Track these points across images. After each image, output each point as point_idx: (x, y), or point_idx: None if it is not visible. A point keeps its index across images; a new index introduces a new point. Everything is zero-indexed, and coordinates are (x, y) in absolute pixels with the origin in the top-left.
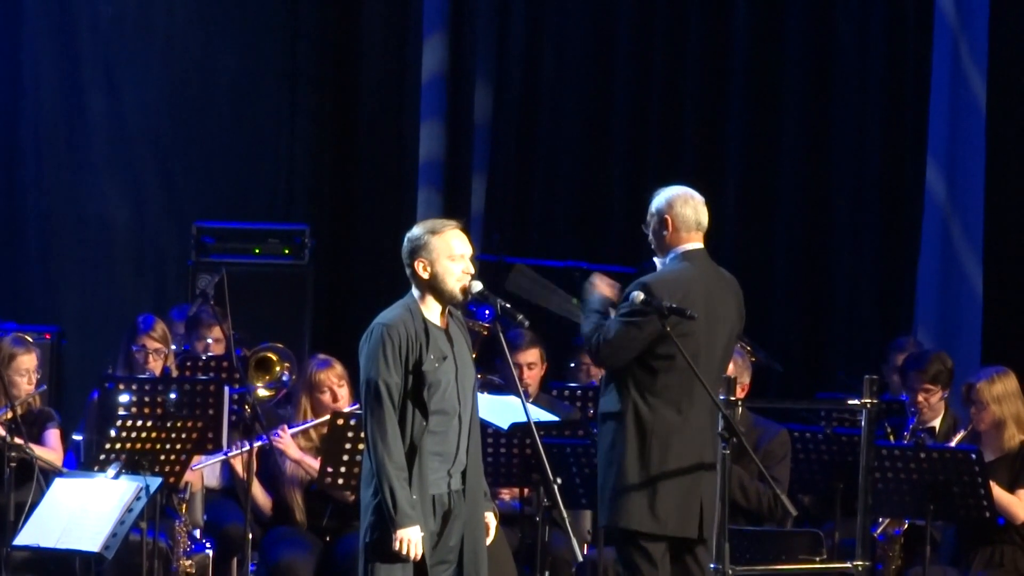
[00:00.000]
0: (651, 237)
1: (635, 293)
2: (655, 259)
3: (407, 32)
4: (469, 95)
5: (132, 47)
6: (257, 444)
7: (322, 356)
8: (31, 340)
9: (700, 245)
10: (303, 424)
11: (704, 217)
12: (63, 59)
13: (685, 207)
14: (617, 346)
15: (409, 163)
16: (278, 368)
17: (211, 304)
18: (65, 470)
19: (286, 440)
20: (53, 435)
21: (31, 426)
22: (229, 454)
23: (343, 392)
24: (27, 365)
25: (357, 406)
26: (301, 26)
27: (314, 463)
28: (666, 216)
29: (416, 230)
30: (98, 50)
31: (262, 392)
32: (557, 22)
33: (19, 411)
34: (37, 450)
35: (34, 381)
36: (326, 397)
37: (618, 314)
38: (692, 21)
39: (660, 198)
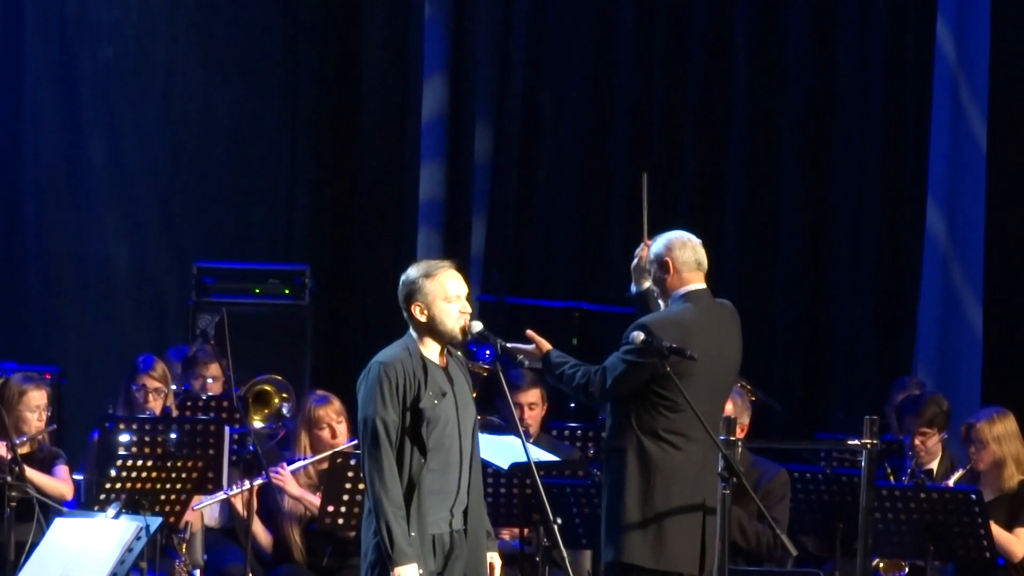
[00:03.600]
0: (653, 285)
1: (635, 334)
2: (659, 301)
3: (407, 73)
4: (469, 136)
5: (132, 87)
6: (258, 482)
7: (320, 392)
8: (41, 378)
9: (703, 285)
10: (303, 461)
11: (703, 257)
12: (63, 99)
13: (684, 249)
14: (617, 380)
15: (409, 204)
16: (276, 400)
17: (210, 343)
18: (65, 509)
19: (286, 477)
20: (63, 470)
21: (40, 463)
22: (230, 493)
23: (341, 428)
24: (37, 401)
25: (356, 442)
26: (301, 66)
27: (315, 499)
28: (666, 259)
29: (411, 273)
30: (98, 90)
31: (261, 425)
32: (556, 64)
33: (28, 448)
34: (48, 482)
35: (44, 418)
36: (325, 433)
37: (619, 352)
38: (692, 61)
39: (658, 244)
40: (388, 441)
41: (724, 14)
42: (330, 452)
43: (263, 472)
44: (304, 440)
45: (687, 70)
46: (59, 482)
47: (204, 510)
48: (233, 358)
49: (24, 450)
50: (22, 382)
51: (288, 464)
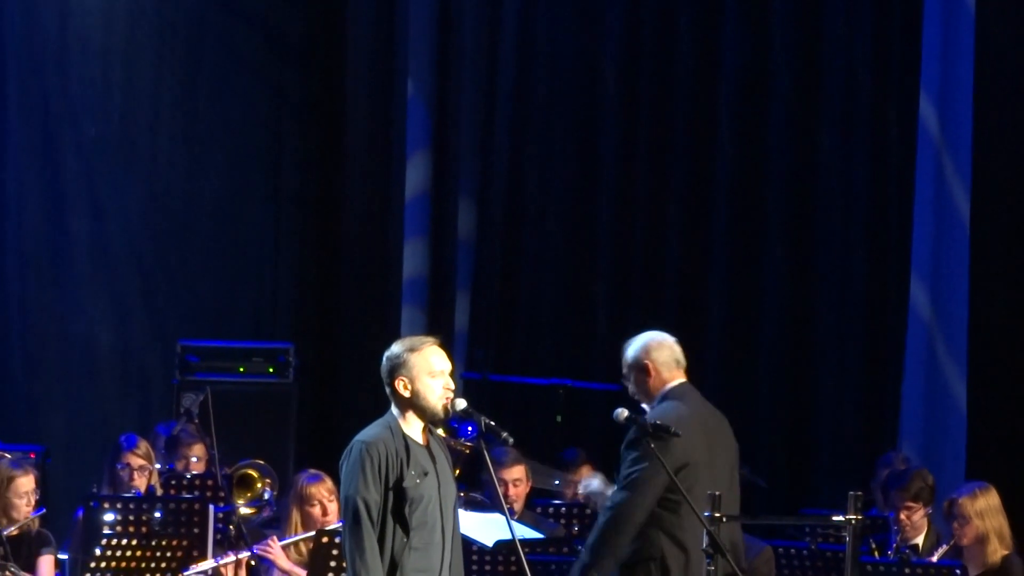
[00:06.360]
0: (634, 389)
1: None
2: (643, 406)
3: (390, 150)
4: (452, 213)
5: (115, 167)
6: (245, 555)
7: (312, 471)
8: (30, 461)
9: (684, 380)
10: (292, 537)
11: (680, 355)
12: (46, 178)
13: (661, 350)
14: (639, 487)
15: (393, 281)
16: (259, 485)
17: (194, 422)
18: None
19: (276, 550)
20: (47, 561)
21: (27, 548)
22: (219, 562)
23: (332, 507)
24: (26, 488)
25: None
26: (285, 145)
27: (302, 573)
28: (645, 362)
29: (395, 348)
30: (81, 170)
31: (244, 510)
32: (540, 139)
33: (15, 533)
34: None
35: (32, 503)
36: (316, 511)
37: (624, 469)
38: (676, 141)
39: (633, 348)
40: (369, 520)
41: (708, 93)
42: (315, 532)
43: (250, 547)
44: (295, 517)
45: (672, 147)
46: None
47: None
48: (217, 436)
49: (11, 534)
50: (11, 467)
51: (279, 540)
